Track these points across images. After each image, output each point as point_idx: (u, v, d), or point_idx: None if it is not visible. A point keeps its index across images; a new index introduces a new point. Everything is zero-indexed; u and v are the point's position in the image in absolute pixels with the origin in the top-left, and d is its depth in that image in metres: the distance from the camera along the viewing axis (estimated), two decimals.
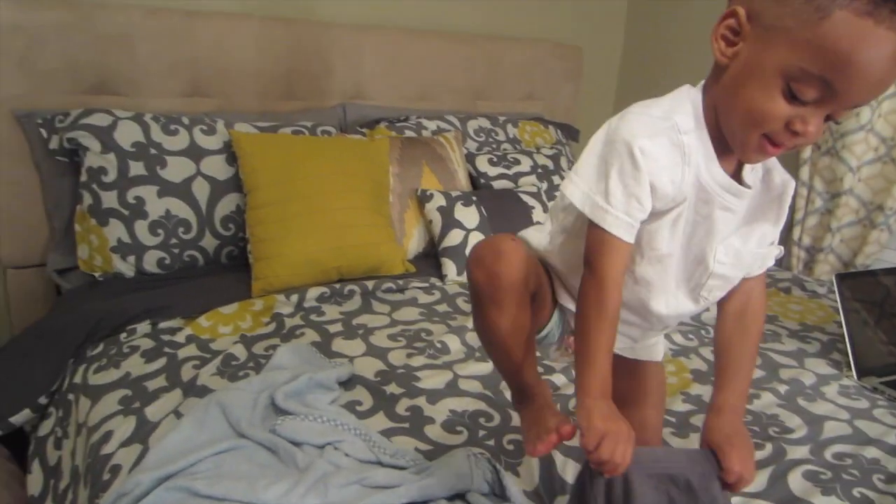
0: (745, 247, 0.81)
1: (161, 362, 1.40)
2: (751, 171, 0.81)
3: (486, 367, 1.51)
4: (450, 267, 2.00)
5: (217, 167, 1.84)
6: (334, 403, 1.33)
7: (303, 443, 1.18)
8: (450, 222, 2.03)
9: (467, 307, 1.84)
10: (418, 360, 1.51)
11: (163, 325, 1.55)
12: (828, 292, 2.22)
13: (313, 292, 1.75)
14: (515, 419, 1.31)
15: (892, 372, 1.67)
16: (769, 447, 1.30)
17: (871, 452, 1.31)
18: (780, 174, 0.84)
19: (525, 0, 2.81)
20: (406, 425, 1.28)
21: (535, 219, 2.15)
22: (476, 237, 2.03)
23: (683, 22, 2.97)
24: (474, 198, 2.11)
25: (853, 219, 2.39)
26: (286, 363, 1.42)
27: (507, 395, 1.39)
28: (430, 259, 2.10)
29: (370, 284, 1.85)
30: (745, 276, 0.84)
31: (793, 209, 2.51)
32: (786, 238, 2.60)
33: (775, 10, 0.68)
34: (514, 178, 2.33)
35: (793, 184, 0.85)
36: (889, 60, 0.64)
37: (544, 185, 2.32)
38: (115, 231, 1.72)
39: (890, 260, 2.36)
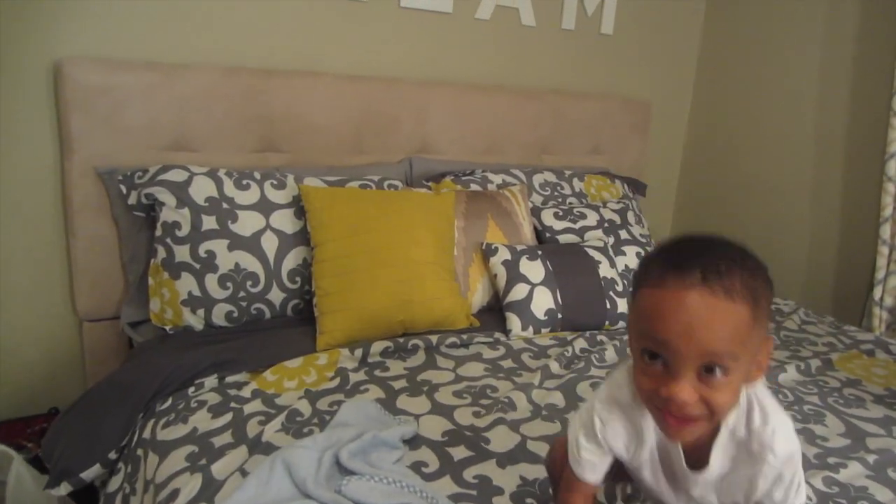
0: (723, 501, 0.89)
1: (227, 417, 1.41)
2: (727, 442, 0.85)
3: (555, 427, 1.47)
4: (514, 322, 1.97)
5: (286, 221, 1.88)
6: (399, 463, 1.31)
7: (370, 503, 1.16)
8: (515, 276, 2.01)
9: (533, 363, 1.80)
10: (485, 420, 1.47)
11: (229, 378, 1.56)
12: None
13: (377, 346, 1.74)
14: None
15: None
16: None
17: None
18: (769, 429, 0.84)
19: (592, 55, 2.83)
20: (473, 492, 1.24)
21: (601, 274, 2.11)
22: (541, 292, 2.00)
23: (751, 80, 2.94)
24: (539, 252, 2.09)
25: None
26: (351, 420, 1.41)
27: None
28: (494, 313, 2.08)
29: (434, 339, 1.83)
30: None
31: (873, 270, 2.41)
32: (866, 299, 2.48)
33: (629, 310, 0.86)
34: (580, 232, 2.30)
35: (781, 433, 0.84)
36: (683, 309, 0.75)
37: (611, 240, 2.28)
38: (187, 284, 1.76)
39: None
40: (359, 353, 1.71)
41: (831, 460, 1.42)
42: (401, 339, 1.80)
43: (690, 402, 0.76)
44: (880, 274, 2.38)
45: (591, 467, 0.94)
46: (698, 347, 0.75)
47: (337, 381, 1.59)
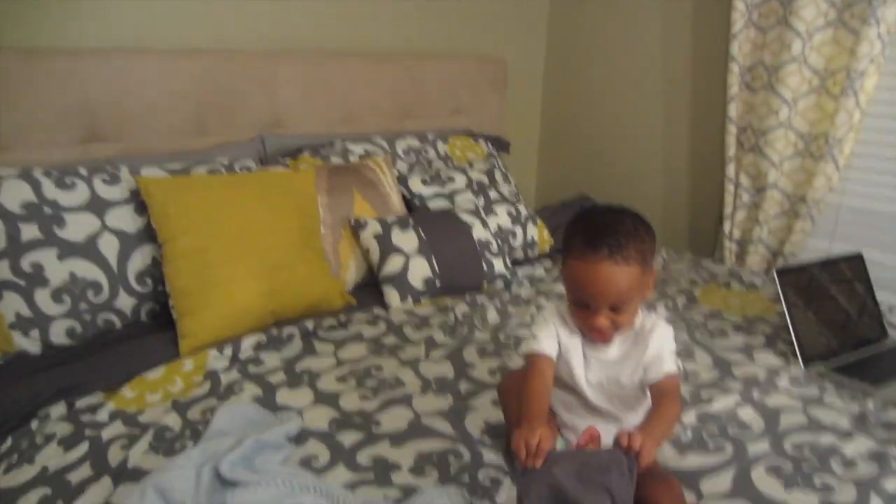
0: (623, 372, 1.21)
1: (83, 448, 1.24)
2: (624, 335, 1.22)
3: (447, 401, 1.44)
4: (392, 295, 1.91)
5: (125, 219, 1.68)
6: (286, 462, 1.22)
7: None
8: (388, 249, 1.95)
9: (416, 335, 1.76)
10: (374, 402, 1.41)
11: (80, 403, 1.38)
12: (763, 283, 2.27)
13: (248, 341, 1.62)
14: (487, 455, 1.25)
15: (834, 356, 1.71)
16: (730, 448, 1.29)
17: (827, 439, 1.33)
18: (649, 323, 1.22)
19: (445, 16, 2.78)
20: (370, 475, 1.19)
21: (475, 236, 2.10)
22: (417, 262, 1.96)
23: (600, 32, 3.02)
24: (411, 221, 2.04)
25: (778, 211, 2.47)
26: (227, 427, 1.29)
27: (474, 429, 1.34)
28: (370, 289, 2.01)
29: (310, 324, 1.74)
30: (650, 384, 1.19)
31: (721, 206, 2.58)
32: (717, 233, 2.66)
33: (562, 263, 1.21)
34: (450, 196, 2.27)
35: (659, 324, 1.22)
36: (597, 277, 1.11)
37: (481, 201, 2.28)
38: (12, 304, 1.52)
39: (814, 247, 2.44)
40: (228, 351, 1.59)
41: (704, 394, 1.50)
42: (274, 330, 1.69)
43: (606, 326, 1.16)
44: (728, 209, 2.56)
45: (546, 343, 1.22)
46: (608, 299, 1.14)
47: (207, 386, 1.46)
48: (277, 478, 1.13)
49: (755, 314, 1.99)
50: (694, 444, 1.31)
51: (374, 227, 1.98)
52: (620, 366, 1.21)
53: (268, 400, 1.42)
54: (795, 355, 1.68)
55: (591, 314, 1.15)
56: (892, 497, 1.15)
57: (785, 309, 1.70)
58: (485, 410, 1.41)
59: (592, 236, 1.12)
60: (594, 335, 1.19)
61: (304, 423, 1.33)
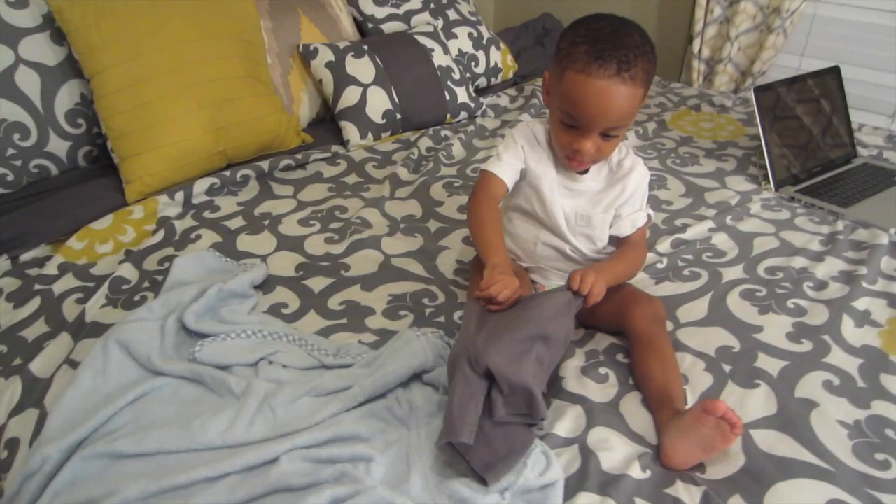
0: (596, 210, 1.14)
1: (35, 304, 1.17)
2: (601, 165, 1.15)
3: (416, 241, 1.39)
4: (351, 130, 1.79)
5: (42, 50, 1.47)
6: (254, 312, 1.18)
7: (231, 365, 1.04)
8: (343, 79, 1.79)
9: (378, 173, 1.67)
10: (341, 245, 1.35)
11: (25, 256, 1.29)
12: (734, 105, 2.20)
13: (201, 185, 1.51)
14: (461, 295, 1.22)
15: (805, 179, 1.69)
16: (705, 274, 1.29)
17: (799, 262, 1.34)
18: (629, 163, 1.15)
19: None
20: (343, 321, 1.15)
21: (436, 63, 1.94)
22: (375, 93, 1.81)
23: None
24: (366, 47, 1.85)
25: (750, 25, 2.34)
26: (189, 276, 1.22)
27: (446, 269, 1.30)
28: (327, 125, 1.87)
29: (265, 165, 1.62)
30: (619, 236, 1.16)
31: (691, 23, 2.43)
32: (685, 53, 2.53)
33: (552, 73, 1.06)
34: (406, 17, 2.06)
35: (639, 168, 1.15)
36: (601, 95, 0.98)
37: (440, 22, 2.08)
38: None
39: (785, 64, 2.36)
40: (180, 196, 1.48)
41: (677, 222, 1.48)
42: (226, 172, 1.57)
43: (591, 151, 1.04)
44: (699, 26, 2.42)
45: (508, 166, 1.13)
46: (607, 122, 1.01)
47: (161, 235, 1.37)
48: (247, 327, 1.09)
49: (726, 138, 1.95)
50: (669, 272, 1.30)
51: (325, 55, 1.80)
52: (593, 201, 1.14)
53: (228, 247, 1.35)
54: (767, 179, 1.66)
55: (580, 136, 1.03)
56: (862, 315, 1.18)
57: (760, 131, 1.65)
58: (455, 249, 1.37)
59: (600, 47, 0.96)
60: (573, 162, 1.08)
61: (269, 269, 1.27)
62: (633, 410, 0.97)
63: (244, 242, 1.36)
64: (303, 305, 1.18)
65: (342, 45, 1.83)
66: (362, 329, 1.13)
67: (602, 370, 1.04)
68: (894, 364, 1.06)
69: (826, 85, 1.82)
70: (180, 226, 1.41)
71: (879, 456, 0.90)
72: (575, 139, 1.04)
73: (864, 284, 1.25)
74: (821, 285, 1.27)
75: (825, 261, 1.34)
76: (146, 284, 1.23)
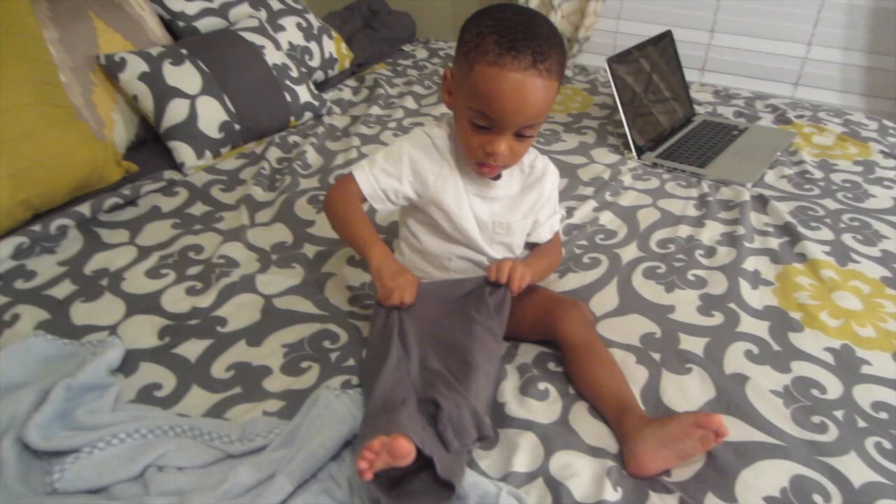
0: (515, 216, 1.06)
1: None
2: (513, 170, 1.05)
3: (296, 273, 1.21)
4: (184, 151, 1.53)
5: None
6: (120, 405, 0.94)
7: (109, 485, 0.81)
8: (164, 92, 1.51)
9: (229, 197, 1.45)
10: (208, 295, 1.14)
11: None
12: (575, 75, 2.22)
13: (4, 248, 1.20)
14: (365, 328, 1.08)
15: (659, 144, 1.73)
16: (605, 260, 1.27)
17: (683, 231, 1.36)
18: (541, 164, 1.08)
19: None
20: (237, 390, 0.96)
21: (269, 61, 1.72)
22: (206, 104, 1.56)
23: None
24: (184, 51, 1.59)
25: None
26: (16, 376, 0.95)
27: (339, 300, 1.14)
28: (151, 147, 1.59)
29: (85, 209, 1.33)
30: (539, 242, 1.11)
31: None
32: None
33: (457, 69, 0.95)
34: (223, 11, 1.81)
35: (551, 169, 1.09)
36: (517, 91, 0.88)
37: (263, 14, 1.85)
38: None
39: (606, 28, 2.44)
40: None
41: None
42: (35, 227, 1.26)
43: (506, 154, 0.94)
44: None
45: (374, 182, 1.01)
46: (523, 119, 0.91)
47: None
48: (117, 429, 0.87)
49: (578, 110, 1.95)
50: (570, 263, 1.26)
51: (136, 65, 1.51)
52: (511, 207, 1.05)
53: (61, 324, 1.07)
54: (629, 148, 1.67)
55: (492, 137, 0.92)
56: (754, 276, 1.21)
57: (618, 102, 1.65)
58: (343, 274, 1.21)
59: (512, 38, 0.87)
60: (484, 168, 0.97)
61: (124, 343, 1.02)
62: (583, 423, 0.91)
63: (81, 313, 1.10)
64: (181, 382, 0.97)
65: (155, 51, 1.55)
66: (262, 395, 0.95)
67: (541, 385, 0.97)
68: (795, 320, 1.11)
69: (664, 49, 1.88)
70: None
71: (816, 419, 0.92)
72: (487, 141, 0.93)
73: (746, 244, 1.30)
74: (710, 252, 1.29)
75: (706, 226, 1.37)
76: None
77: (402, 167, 1.00)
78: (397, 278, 0.94)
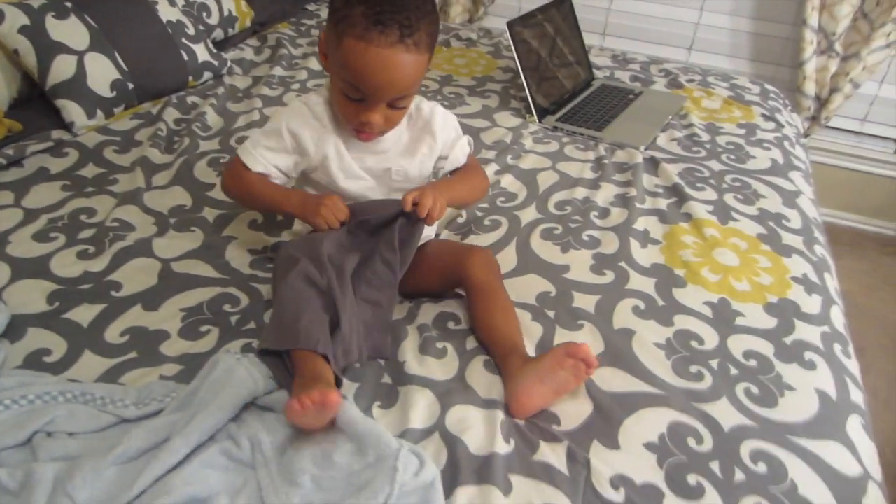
0: (412, 164, 1.08)
1: None
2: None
3: (196, 236, 1.19)
4: (74, 110, 1.45)
5: None
6: (5, 371, 0.91)
7: None
8: (48, 48, 1.42)
9: (123, 159, 1.40)
10: (101, 259, 1.10)
11: None
12: (479, 38, 2.24)
13: None
14: (267, 291, 1.08)
15: (560, 108, 1.79)
16: (505, 222, 1.31)
17: (580, 193, 1.42)
18: (427, 107, 1.09)
19: None
20: (132, 355, 0.95)
21: (163, 18, 1.64)
22: (95, 60, 1.48)
23: None
24: (69, 4, 1.49)
25: None
26: None
27: (240, 264, 1.14)
28: (37, 105, 1.49)
29: None
30: (456, 168, 1.14)
31: None
32: None
33: (328, 36, 0.95)
34: None
35: (438, 110, 1.09)
36: (385, 67, 0.90)
37: None
38: None
39: None
40: None
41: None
42: None
43: (379, 123, 0.97)
44: None
45: (263, 160, 1.03)
46: (394, 92, 0.94)
47: None
48: (2, 395, 0.84)
49: (482, 73, 1.98)
50: (471, 225, 1.29)
51: (16, 18, 1.41)
52: (405, 152, 1.08)
53: None
54: (531, 112, 1.72)
55: (366, 109, 0.95)
56: (644, 235, 1.29)
57: (518, 66, 1.69)
58: (244, 238, 1.20)
59: (378, 10, 0.88)
60: (362, 135, 1.01)
61: (9, 309, 0.98)
62: (479, 377, 0.94)
63: None
64: (72, 347, 0.95)
65: (36, 3, 1.45)
66: (159, 360, 0.94)
67: (439, 345, 1.00)
68: (679, 277, 1.18)
69: (564, 13, 1.92)
70: None
71: (693, 368, 0.99)
72: (361, 111, 0.96)
73: (637, 205, 1.37)
74: (604, 213, 1.35)
75: (601, 187, 1.43)
76: None
77: (284, 140, 1.02)
78: (323, 200, 0.99)
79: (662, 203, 1.39)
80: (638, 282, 1.16)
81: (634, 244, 1.25)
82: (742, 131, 1.73)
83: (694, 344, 1.04)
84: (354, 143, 1.04)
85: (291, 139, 1.02)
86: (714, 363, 1.00)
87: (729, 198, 1.43)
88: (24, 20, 1.41)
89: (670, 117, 1.76)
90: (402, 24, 0.88)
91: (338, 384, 0.86)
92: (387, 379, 0.94)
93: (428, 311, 1.07)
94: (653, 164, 1.54)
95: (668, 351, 1.02)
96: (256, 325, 1.01)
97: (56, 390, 0.86)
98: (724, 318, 1.09)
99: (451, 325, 1.04)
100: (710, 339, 1.05)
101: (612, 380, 0.96)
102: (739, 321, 1.09)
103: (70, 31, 1.46)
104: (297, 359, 0.85)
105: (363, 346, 0.95)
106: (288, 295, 0.90)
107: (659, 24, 2.33)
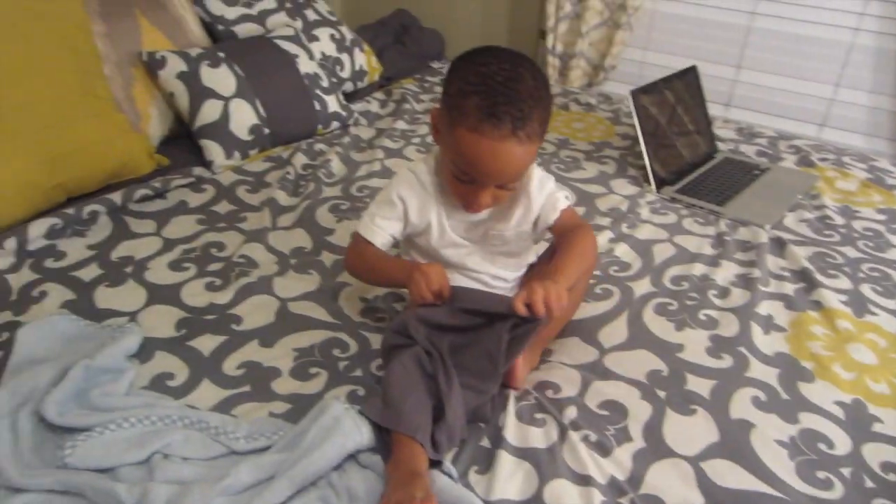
0: (508, 227, 1.08)
1: None
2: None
3: (312, 279, 1.23)
4: (214, 150, 1.57)
5: None
6: (133, 390, 0.97)
7: (116, 467, 0.84)
8: (200, 92, 1.56)
9: (253, 198, 1.48)
10: (226, 292, 1.16)
11: None
12: (598, 103, 2.24)
13: (37, 227, 1.24)
14: (375, 340, 1.10)
15: (679, 178, 1.74)
16: (617, 292, 1.27)
17: (698, 269, 1.36)
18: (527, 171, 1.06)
19: None
20: (246, 388, 0.99)
21: (302, 70, 1.76)
22: (239, 106, 1.60)
23: None
24: (222, 54, 1.63)
25: (599, 21, 2.41)
26: (39, 351, 0.99)
27: (351, 311, 1.16)
28: (183, 143, 1.63)
29: (117, 197, 1.37)
30: (549, 228, 1.11)
31: (542, 19, 2.47)
32: (538, 48, 2.56)
33: (441, 118, 0.97)
34: (261, 18, 1.86)
35: (535, 172, 1.07)
36: (496, 158, 0.91)
37: (299, 23, 1.90)
38: None
39: (632, 58, 2.46)
40: (11, 243, 1.21)
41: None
42: (69, 210, 1.31)
43: (488, 202, 0.99)
44: (551, 22, 2.44)
45: (381, 231, 1.06)
46: (503, 180, 0.96)
47: None
48: (128, 413, 0.89)
49: (600, 139, 1.97)
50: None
51: (175, 64, 1.56)
52: (502, 217, 1.08)
53: (84, 305, 1.11)
54: (648, 181, 1.69)
55: (476, 190, 0.97)
56: (766, 321, 1.21)
57: (640, 135, 1.67)
58: (357, 285, 1.23)
59: (492, 102, 0.89)
60: (469, 209, 1.02)
61: (142, 331, 1.05)
62: (577, 452, 0.90)
63: (105, 297, 1.13)
64: (193, 374, 1.00)
65: (194, 52, 1.60)
66: (270, 396, 0.97)
67: (538, 415, 0.97)
68: (806, 370, 1.10)
69: (688, 83, 1.89)
70: (16, 281, 1.15)
71: (821, 474, 0.91)
72: (471, 191, 0.98)
73: (761, 287, 1.30)
74: (724, 292, 1.29)
75: (721, 265, 1.37)
76: None
77: (396, 207, 1.05)
78: (420, 268, 0.99)
79: (789, 288, 1.31)
80: (759, 370, 1.09)
81: (756, 329, 1.18)
82: (882, 217, 1.62)
83: (822, 447, 0.95)
84: (455, 211, 1.06)
85: (401, 205, 1.05)
86: (846, 471, 0.91)
87: (866, 288, 1.32)
88: (183, 66, 1.56)
89: (800, 196, 1.68)
90: (515, 116, 0.89)
91: (436, 464, 0.86)
92: (485, 443, 0.92)
93: (528, 378, 1.04)
94: (779, 246, 1.46)
95: (791, 451, 0.94)
96: (363, 373, 1.03)
97: (176, 415, 0.91)
98: (858, 421, 1.00)
99: (550, 393, 1.02)
100: (842, 443, 0.96)
101: (728, 475, 0.89)
102: (877, 427, 0.99)
103: (220, 78, 1.59)
104: (397, 438, 0.86)
105: (465, 430, 0.92)
106: (397, 373, 0.91)
107: (788, 98, 2.25)
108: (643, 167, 1.70)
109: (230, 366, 1.02)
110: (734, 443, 0.94)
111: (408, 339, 0.96)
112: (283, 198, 1.48)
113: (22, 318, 1.06)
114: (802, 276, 1.35)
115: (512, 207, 1.07)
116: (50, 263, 1.20)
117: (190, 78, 1.56)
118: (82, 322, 1.05)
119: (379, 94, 2.18)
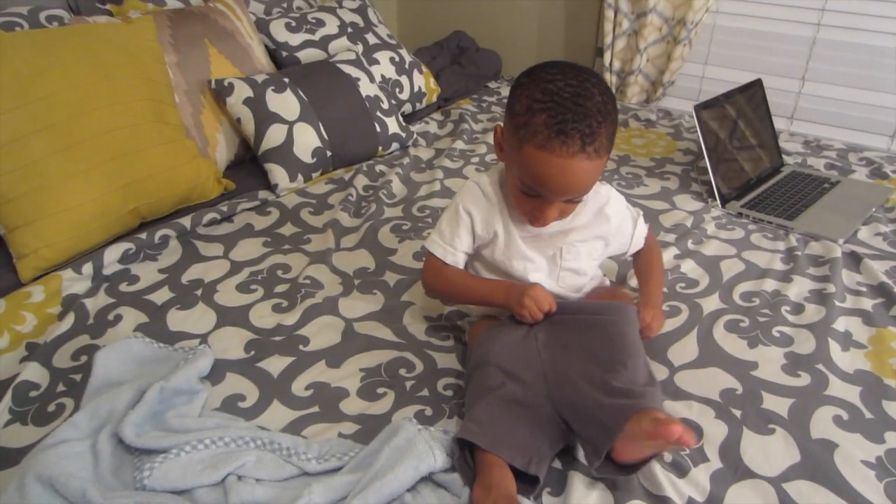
0: (583, 247, 1.08)
1: None
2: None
3: (377, 299, 1.24)
4: (279, 173, 1.60)
5: None
6: (205, 411, 0.99)
7: (192, 488, 0.85)
8: (266, 117, 1.60)
9: (317, 220, 1.51)
10: (293, 314, 1.18)
11: None
12: (658, 119, 2.21)
13: (112, 252, 1.29)
14: (440, 360, 1.10)
15: (745, 193, 1.69)
16: (685, 309, 1.24)
17: (769, 285, 1.31)
18: (604, 191, 1.09)
19: None
20: (315, 409, 0.99)
21: (363, 93, 1.79)
22: (302, 130, 1.64)
23: None
24: (286, 80, 1.68)
25: (657, 37, 2.37)
26: (116, 373, 1.02)
27: (417, 330, 1.16)
28: (248, 167, 1.68)
29: (186, 221, 1.42)
30: (633, 253, 1.18)
31: (599, 36, 2.45)
32: (595, 65, 2.54)
33: (506, 135, 0.97)
34: (323, 43, 1.90)
35: (613, 195, 1.09)
36: (565, 175, 0.90)
37: (360, 48, 1.94)
38: None
39: (690, 73, 2.41)
40: (88, 268, 1.25)
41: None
42: (142, 234, 1.35)
43: (555, 216, 0.99)
44: (608, 39, 2.42)
45: (452, 250, 1.07)
46: (571, 195, 0.95)
47: (71, 319, 1.15)
48: (203, 435, 0.91)
49: (661, 154, 1.94)
50: None
51: (242, 90, 1.61)
52: (577, 240, 1.08)
53: (157, 328, 1.14)
54: (713, 196, 1.65)
55: (542, 205, 0.96)
56: (845, 337, 1.16)
57: (704, 149, 1.63)
58: (420, 303, 1.24)
59: (561, 119, 0.87)
60: (535, 224, 1.01)
61: (213, 353, 1.08)
62: (646, 471, 0.87)
63: (176, 320, 1.16)
64: (263, 395, 1.01)
65: (260, 78, 1.65)
66: (339, 417, 0.98)
67: None
68: (891, 388, 1.05)
69: (751, 97, 1.85)
70: (93, 305, 1.19)
71: None
72: (537, 206, 0.97)
73: (837, 303, 1.24)
74: (797, 308, 1.24)
75: (793, 281, 1.32)
76: (61, 388, 1.01)
77: (463, 221, 1.06)
78: (528, 291, 1.00)
79: (867, 303, 1.25)
80: (839, 388, 1.04)
81: (834, 346, 1.13)
82: None
83: None
84: (521, 223, 1.05)
85: (468, 218, 1.05)
86: None
87: None
88: (249, 92, 1.60)
89: (874, 209, 1.61)
90: (584, 133, 0.88)
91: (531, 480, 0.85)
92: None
93: None
94: (854, 260, 1.40)
95: (879, 471, 0.89)
96: (429, 392, 1.02)
97: (248, 436, 0.92)
98: None
99: None
100: None
101: (814, 496, 0.85)
102: None
103: (285, 103, 1.63)
104: (485, 460, 0.85)
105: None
106: (486, 398, 0.91)
107: (856, 110, 2.16)
108: (707, 183, 1.66)
109: (299, 387, 1.03)
110: (817, 464, 0.90)
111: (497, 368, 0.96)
112: (345, 219, 1.50)
113: (99, 342, 1.10)
114: (881, 290, 1.29)
115: (590, 227, 1.08)
116: (124, 287, 1.24)
117: (256, 103, 1.60)
118: (156, 345, 1.08)
119: (437, 115, 2.20)
